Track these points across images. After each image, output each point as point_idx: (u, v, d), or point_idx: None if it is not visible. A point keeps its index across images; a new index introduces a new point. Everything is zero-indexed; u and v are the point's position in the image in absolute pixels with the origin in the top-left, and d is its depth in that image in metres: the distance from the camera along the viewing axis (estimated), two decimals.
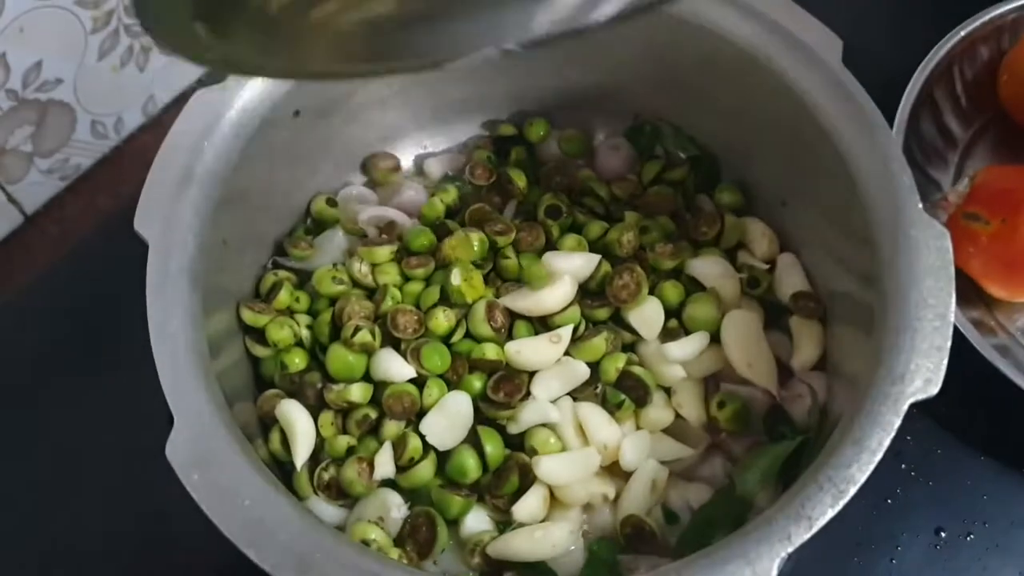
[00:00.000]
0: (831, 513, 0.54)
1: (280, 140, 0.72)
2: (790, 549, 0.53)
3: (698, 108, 0.79)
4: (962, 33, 0.90)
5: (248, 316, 0.72)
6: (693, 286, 0.76)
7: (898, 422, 0.56)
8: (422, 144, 0.86)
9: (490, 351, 0.70)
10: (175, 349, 0.60)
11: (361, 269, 0.75)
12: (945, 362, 0.58)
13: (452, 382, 0.71)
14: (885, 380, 0.58)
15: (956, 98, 0.93)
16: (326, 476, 0.69)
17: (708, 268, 0.75)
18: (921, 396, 0.57)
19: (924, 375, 0.57)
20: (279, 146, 0.72)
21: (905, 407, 0.57)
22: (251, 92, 0.68)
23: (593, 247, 0.77)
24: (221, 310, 0.70)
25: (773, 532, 0.54)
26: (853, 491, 0.55)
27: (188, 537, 0.61)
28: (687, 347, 0.71)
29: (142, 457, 0.58)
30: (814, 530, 0.54)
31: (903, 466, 0.78)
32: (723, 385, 0.73)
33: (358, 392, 0.69)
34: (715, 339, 0.73)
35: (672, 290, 0.74)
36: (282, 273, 0.76)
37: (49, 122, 0.94)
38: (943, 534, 0.75)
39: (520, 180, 0.81)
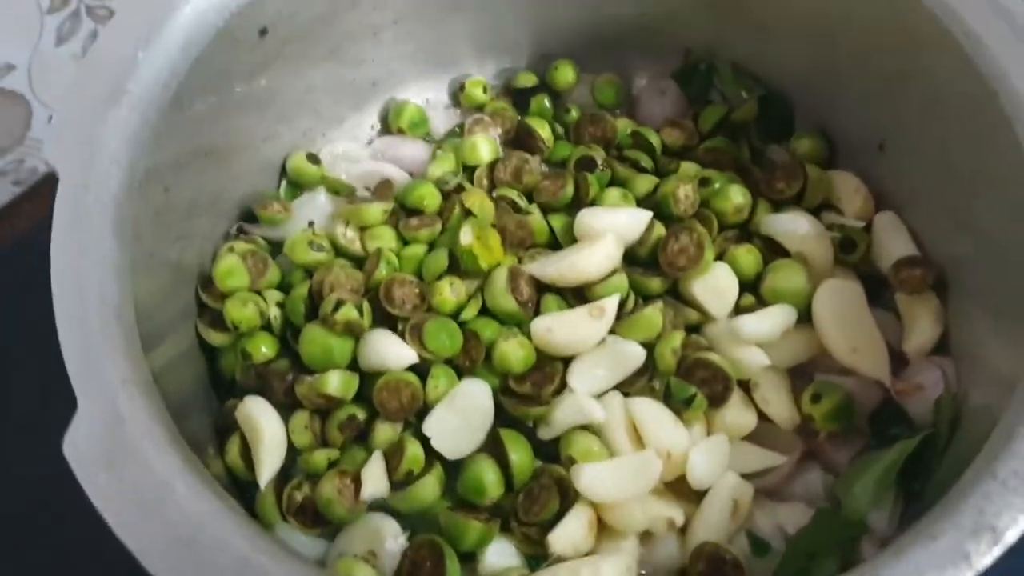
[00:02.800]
0: None
1: (243, 65, 0.58)
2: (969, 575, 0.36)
3: (765, 36, 0.64)
4: None
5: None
6: (772, 253, 0.60)
7: None
8: (424, 96, 0.71)
9: (514, 358, 0.54)
10: (86, 308, 0.45)
11: (346, 234, 0.59)
12: None
13: (464, 369, 0.55)
14: None
15: None
16: (299, 496, 0.53)
17: (792, 226, 0.59)
18: None
19: None
20: (242, 72, 0.58)
21: None
22: None
23: (642, 206, 0.61)
24: (164, 285, 0.55)
25: (942, 552, 0.38)
26: None
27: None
28: (766, 321, 0.55)
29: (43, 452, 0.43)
30: (1002, 547, 0.37)
31: None
32: (817, 376, 0.57)
33: (337, 382, 0.53)
34: (805, 318, 0.57)
35: (746, 256, 0.59)
36: (240, 246, 0.59)
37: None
38: None
39: (543, 130, 0.66)
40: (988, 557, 0.37)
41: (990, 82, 0.50)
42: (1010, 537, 0.37)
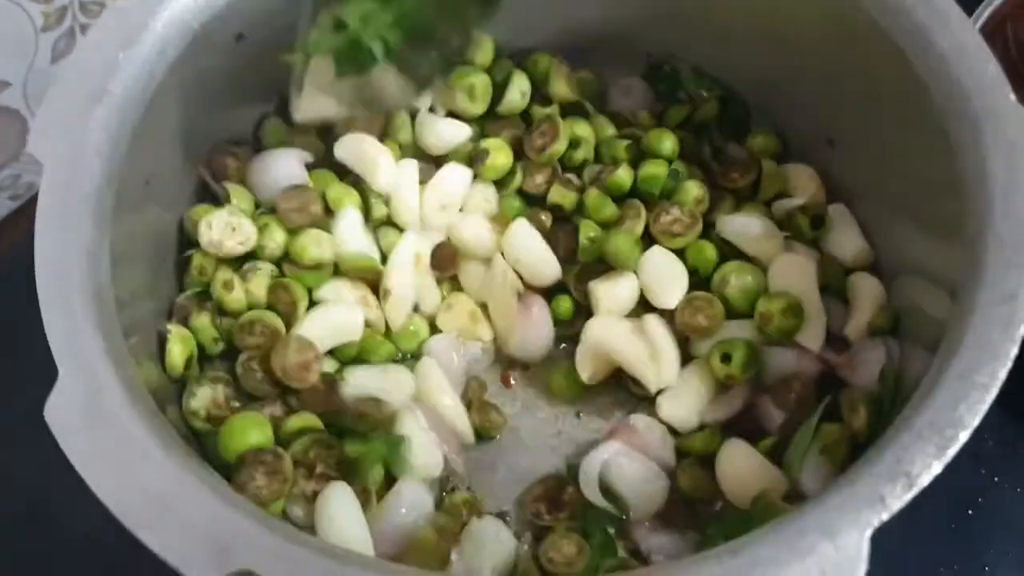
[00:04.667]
0: (937, 468, 0.41)
1: (220, 68, 0.60)
2: (885, 516, 0.40)
3: (722, 42, 0.67)
4: None
5: None
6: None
7: (1014, 349, 0.44)
8: None
9: None
10: (68, 288, 0.47)
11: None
12: None
13: None
14: (992, 300, 0.45)
15: (1012, 62, 0.81)
16: None
17: (745, 228, 0.64)
18: None
19: None
20: (219, 75, 0.60)
21: (1021, 331, 0.44)
22: (180, 3, 0.56)
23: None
24: (142, 277, 0.59)
25: (859, 495, 0.41)
26: (964, 438, 0.42)
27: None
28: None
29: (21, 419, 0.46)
30: (915, 490, 0.41)
31: (983, 471, 0.66)
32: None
33: None
34: None
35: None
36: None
37: None
38: None
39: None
40: (902, 500, 0.40)
41: (922, 78, 0.53)
42: (923, 480, 0.40)
